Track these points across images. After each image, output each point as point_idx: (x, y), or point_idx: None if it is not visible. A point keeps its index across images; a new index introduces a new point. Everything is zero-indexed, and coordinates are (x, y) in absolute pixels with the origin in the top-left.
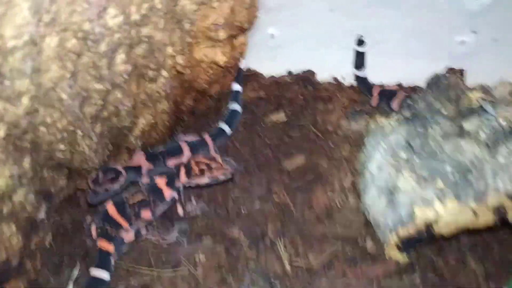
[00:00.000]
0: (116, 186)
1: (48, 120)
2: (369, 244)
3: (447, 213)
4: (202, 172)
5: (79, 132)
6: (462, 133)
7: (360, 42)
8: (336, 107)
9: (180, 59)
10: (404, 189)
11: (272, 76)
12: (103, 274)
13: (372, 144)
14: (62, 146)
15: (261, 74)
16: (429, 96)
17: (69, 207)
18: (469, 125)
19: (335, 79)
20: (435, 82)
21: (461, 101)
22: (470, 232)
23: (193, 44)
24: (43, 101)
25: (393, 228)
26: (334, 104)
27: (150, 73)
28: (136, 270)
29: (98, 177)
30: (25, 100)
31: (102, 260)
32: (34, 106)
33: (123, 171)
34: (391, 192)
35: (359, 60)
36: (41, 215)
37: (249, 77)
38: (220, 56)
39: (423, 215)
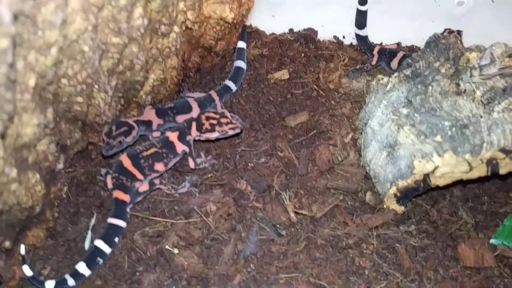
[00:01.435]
0: (128, 139)
1: (70, 72)
2: (369, 196)
3: (444, 165)
4: (212, 126)
5: (96, 86)
6: (459, 91)
7: (363, 1)
8: (337, 65)
9: (190, 15)
10: (404, 143)
11: (273, 33)
12: (120, 222)
13: (373, 102)
14: (80, 99)
15: (263, 32)
16: (428, 55)
17: (82, 160)
18: (466, 83)
19: (336, 37)
20: (434, 41)
21: (459, 61)
22: (463, 183)
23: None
24: (67, 53)
25: (392, 180)
26: (335, 62)
27: (163, 28)
28: (151, 219)
29: (111, 130)
30: (53, 51)
31: (119, 210)
32: (60, 58)
33: (135, 125)
34: (391, 146)
35: (361, 19)
36: (60, 165)
37: (250, 34)
38: (228, 12)
39: (421, 167)
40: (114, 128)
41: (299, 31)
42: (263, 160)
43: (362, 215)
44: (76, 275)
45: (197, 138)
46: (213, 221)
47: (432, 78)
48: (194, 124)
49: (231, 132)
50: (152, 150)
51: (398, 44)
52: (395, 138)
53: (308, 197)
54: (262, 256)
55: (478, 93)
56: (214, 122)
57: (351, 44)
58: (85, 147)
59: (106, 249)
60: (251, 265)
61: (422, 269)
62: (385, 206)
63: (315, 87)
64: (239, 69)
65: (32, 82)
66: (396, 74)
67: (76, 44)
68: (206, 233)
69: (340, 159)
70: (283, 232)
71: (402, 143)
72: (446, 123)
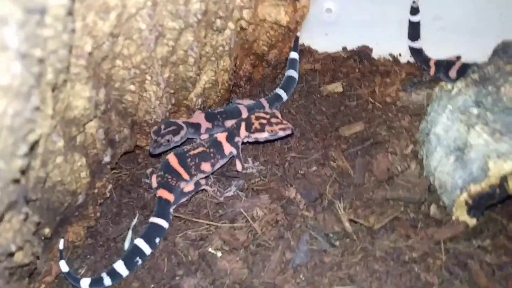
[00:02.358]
0: (176, 138)
1: (125, 52)
2: (433, 210)
3: None
4: (262, 126)
5: (148, 76)
6: None
7: (414, 11)
8: (394, 80)
9: (246, 13)
10: (476, 144)
11: (326, 52)
12: (163, 223)
13: (436, 109)
14: (132, 87)
15: (315, 50)
16: (497, 61)
17: (129, 163)
18: None
19: (392, 55)
20: (502, 48)
21: None
22: None
23: (258, 0)
24: (124, 28)
25: (463, 186)
26: (392, 77)
27: (218, 22)
28: (194, 221)
29: (160, 128)
30: (112, 16)
31: (162, 209)
32: (117, 30)
33: (184, 125)
34: (460, 150)
35: (414, 31)
36: (107, 158)
37: (302, 52)
38: (283, 15)
39: (498, 168)
40: (162, 126)
41: (353, 49)
42: (314, 168)
43: (427, 228)
44: (113, 274)
45: (245, 140)
46: (260, 226)
47: (505, 79)
48: (243, 124)
49: (281, 133)
50: (200, 149)
51: (458, 57)
52: (464, 140)
53: (364, 208)
54: (313, 267)
55: None
56: (264, 121)
57: (408, 61)
58: (132, 149)
59: (146, 249)
60: (301, 276)
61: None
62: (453, 218)
63: (371, 99)
64: (290, 78)
65: (88, 47)
66: (461, 79)
67: (134, 21)
68: (252, 239)
69: (400, 169)
70: (337, 243)
71: (473, 145)
72: None
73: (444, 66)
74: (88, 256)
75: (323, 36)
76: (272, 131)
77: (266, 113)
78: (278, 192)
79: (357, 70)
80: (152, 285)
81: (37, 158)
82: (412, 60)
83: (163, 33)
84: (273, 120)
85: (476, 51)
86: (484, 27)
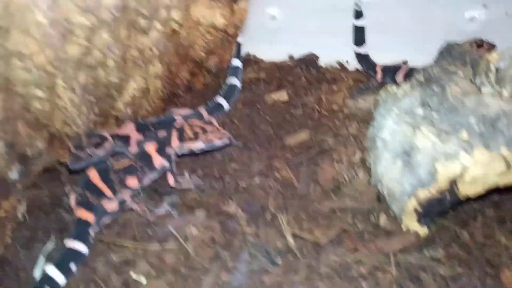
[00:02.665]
0: (100, 152)
1: (23, 49)
2: (383, 220)
3: (474, 164)
4: (196, 135)
5: (60, 81)
6: (482, 91)
7: (358, 14)
8: (340, 87)
9: (175, 14)
10: (423, 147)
11: (272, 61)
12: (80, 246)
13: (382, 114)
14: (39, 93)
15: (261, 60)
16: (443, 62)
17: (49, 180)
18: (487, 85)
19: (339, 62)
20: (447, 49)
21: (479, 65)
22: (496, 205)
23: (189, 0)
24: (17, 18)
25: (411, 193)
26: (339, 84)
27: (142, 22)
28: (119, 244)
29: (81, 141)
30: None
31: (80, 231)
32: (6, 23)
33: (110, 138)
34: (407, 154)
35: (359, 36)
36: (14, 175)
37: (247, 61)
38: (219, 18)
39: (446, 171)
40: (84, 139)
41: (299, 57)
42: (257, 181)
43: (376, 239)
44: None
45: (179, 152)
46: (193, 247)
47: (449, 79)
48: (175, 133)
49: (218, 143)
50: (125, 162)
51: (404, 62)
52: (411, 143)
53: (309, 221)
54: None
55: (506, 92)
56: (198, 130)
57: (355, 69)
58: (53, 166)
59: (59, 278)
60: None
61: None
62: (403, 228)
63: (317, 107)
64: (232, 86)
65: None
66: (407, 81)
67: (29, 12)
68: (183, 261)
69: (347, 178)
70: (279, 260)
71: (420, 148)
72: (473, 119)
73: (391, 71)
74: None
75: (268, 45)
76: (207, 140)
77: (201, 121)
78: (217, 207)
79: (303, 78)
80: None
81: None
82: (359, 67)
83: (71, 30)
84: (208, 128)
85: (423, 56)
86: (429, 31)
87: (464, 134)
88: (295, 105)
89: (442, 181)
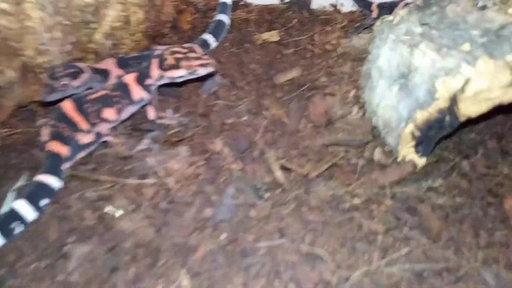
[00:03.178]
0: (75, 83)
1: None
2: (378, 153)
3: (477, 75)
4: (177, 62)
5: None
6: (485, 7)
7: None
8: (334, 28)
9: None
10: (421, 66)
11: (263, 4)
12: (52, 180)
13: (377, 45)
14: (5, 5)
15: (250, 3)
16: None
17: (23, 119)
18: (493, 6)
19: (333, 5)
20: None
21: None
22: (499, 136)
23: None
24: None
25: (408, 117)
26: (333, 25)
27: None
28: (94, 179)
29: (55, 71)
30: None
31: (52, 165)
32: None
33: (88, 70)
34: (404, 76)
35: None
36: None
37: (235, 5)
38: None
39: (446, 87)
40: (59, 69)
41: (291, 0)
42: (245, 118)
43: (370, 173)
44: None
45: (160, 82)
46: (175, 182)
47: (449, 1)
48: (155, 61)
49: (201, 71)
50: (102, 93)
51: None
52: (408, 64)
53: (300, 157)
54: (237, 223)
55: (510, 10)
56: (180, 56)
57: (350, 11)
58: (27, 103)
59: (29, 213)
60: (222, 233)
61: (457, 233)
62: (399, 159)
63: (310, 47)
64: (220, 22)
65: None
66: (404, 8)
67: None
68: (163, 195)
69: (340, 113)
70: (266, 195)
71: (418, 67)
72: (475, 32)
73: (387, 8)
74: None
75: None
76: (189, 67)
77: (183, 47)
78: (202, 145)
79: (295, 20)
80: (33, 256)
81: None
82: (354, 9)
83: None
84: (191, 55)
85: None
86: None
87: (467, 46)
88: (286, 45)
89: (442, 99)
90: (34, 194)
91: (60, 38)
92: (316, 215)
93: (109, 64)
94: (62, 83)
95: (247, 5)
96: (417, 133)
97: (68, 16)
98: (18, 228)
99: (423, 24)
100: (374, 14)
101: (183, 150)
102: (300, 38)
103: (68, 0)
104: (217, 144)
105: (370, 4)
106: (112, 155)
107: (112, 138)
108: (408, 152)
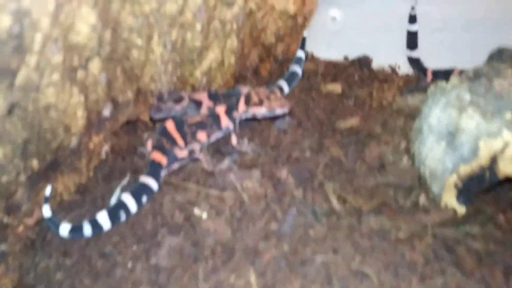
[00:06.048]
0: (178, 108)
1: None
2: (423, 199)
3: None
4: (261, 102)
5: (156, 34)
6: None
7: (412, 19)
8: (391, 86)
9: None
10: (467, 128)
11: (329, 60)
12: (152, 182)
13: (429, 105)
14: (139, 41)
15: (317, 58)
16: (492, 63)
17: (128, 132)
18: None
19: (391, 66)
20: (498, 53)
21: None
22: None
23: None
24: None
25: (453, 169)
26: (390, 84)
27: None
28: (184, 186)
29: (163, 95)
30: None
31: (153, 170)
32: None
33: (187, 98)
34: (451, 134)
35: (412, 40)
36: (106, 112)
37: (306, 57)
38: (291, 5)
39: (487, 147)
40: (166, 94)
41: (354, 58)
42: (308, 154)
43: (415, 214)
44: (95, 224)
45: (243, 116)
46: (248, 197)
47: (497, 74)
48: (242, 98)
49: (278, 110)
50: (198, 119)
51: (454, 69)
52: (456, 125)
53: (354, 193)
54: (298, 238)
55: None
56: (263, 97)
57: (406, 74)
58: (134, 119)
59: (132, 205)
60: (284, 244)
61: (488, 274)
62: (442, 204)
63: (368, 100)
64: (294, 73)
65: None
66: (456, 77)
67: None
68: (239, 206)
69: (392, 159)
70: (323, 219)
71: (464, 129)
72: None
73: (440, 74)
74: (74, 210)
75: (326, 45)
76: (270, 106)
77: (266, 90)
78: (270, 171)
79: (356, 76)
80: (133, 240)
81: (32, 54)
82: (410, 72)
83: None
84: (272, 96)
85: (473, 62)
86: (481, 38)
87: (509, 115)
88: (347, 96)
89: (483, 157)
90: (138, 191)
91: (170, 71)
92: (365, 241)
93: (202, 96)
94: (167, 105)
95: (315, 59)
96: (460, 184)
97: (180, 54)
98: (122, 216)
99: (472, 92)
100: (429, 78)
101: (255, 173)
102: (360, 92)
103: (183, 41)
104: (283, 172)
105: (426, 69)
106: (200, 170)
107: (201, 156)
108: (450, 200)
